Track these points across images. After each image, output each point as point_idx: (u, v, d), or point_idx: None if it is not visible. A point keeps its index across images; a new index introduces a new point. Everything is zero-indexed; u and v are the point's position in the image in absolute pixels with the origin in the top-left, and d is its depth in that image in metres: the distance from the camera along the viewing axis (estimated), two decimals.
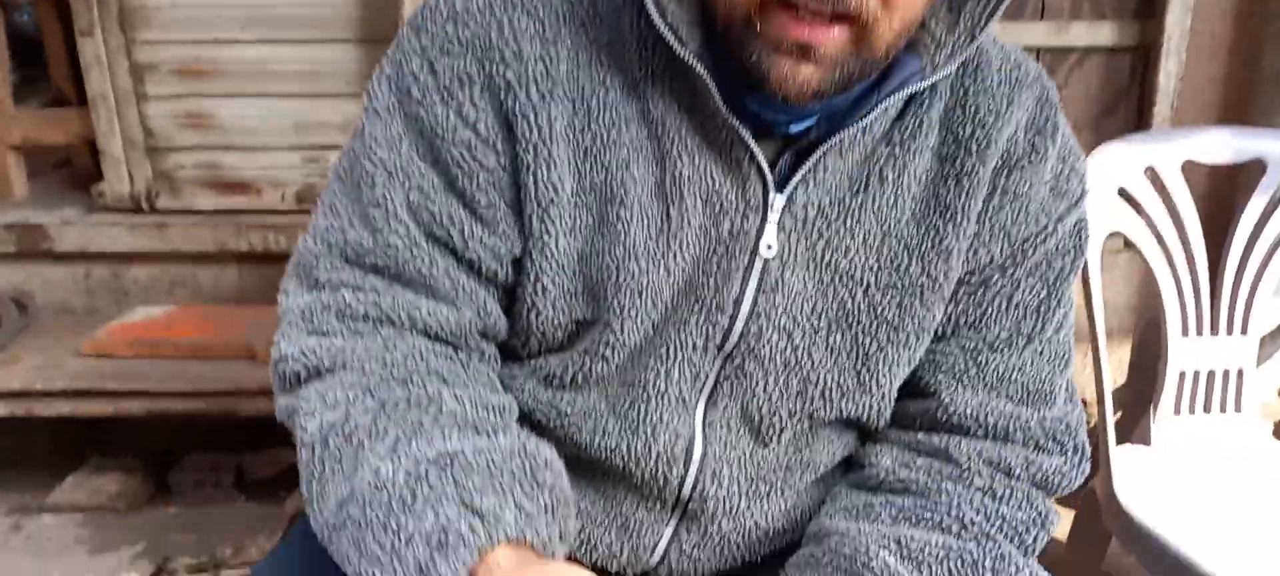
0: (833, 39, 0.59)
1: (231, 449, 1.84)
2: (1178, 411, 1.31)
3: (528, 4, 0.67)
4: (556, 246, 0.69)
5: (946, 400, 0.76)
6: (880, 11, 0.58)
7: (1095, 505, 1.28)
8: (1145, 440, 1.30)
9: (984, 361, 0.75)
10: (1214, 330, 1.30)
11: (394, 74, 0.69)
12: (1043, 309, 0.75)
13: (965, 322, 0.76)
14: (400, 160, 0.68)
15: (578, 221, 0.69)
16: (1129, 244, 1.59)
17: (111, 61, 1.70)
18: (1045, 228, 0.73)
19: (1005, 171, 0.72)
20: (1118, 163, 1.23)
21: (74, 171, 1.92)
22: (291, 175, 1.79)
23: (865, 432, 0.82)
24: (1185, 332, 1.29)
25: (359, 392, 0.66)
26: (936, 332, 0.76)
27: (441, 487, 0.61)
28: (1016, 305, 0.75)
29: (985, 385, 0.76)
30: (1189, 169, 1.27)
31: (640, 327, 0.71)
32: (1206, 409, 1.32)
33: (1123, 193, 1.24)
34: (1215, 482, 1.25)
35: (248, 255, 1.73)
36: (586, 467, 0.77)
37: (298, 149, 1.76)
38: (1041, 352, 0.76)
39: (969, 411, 0.75)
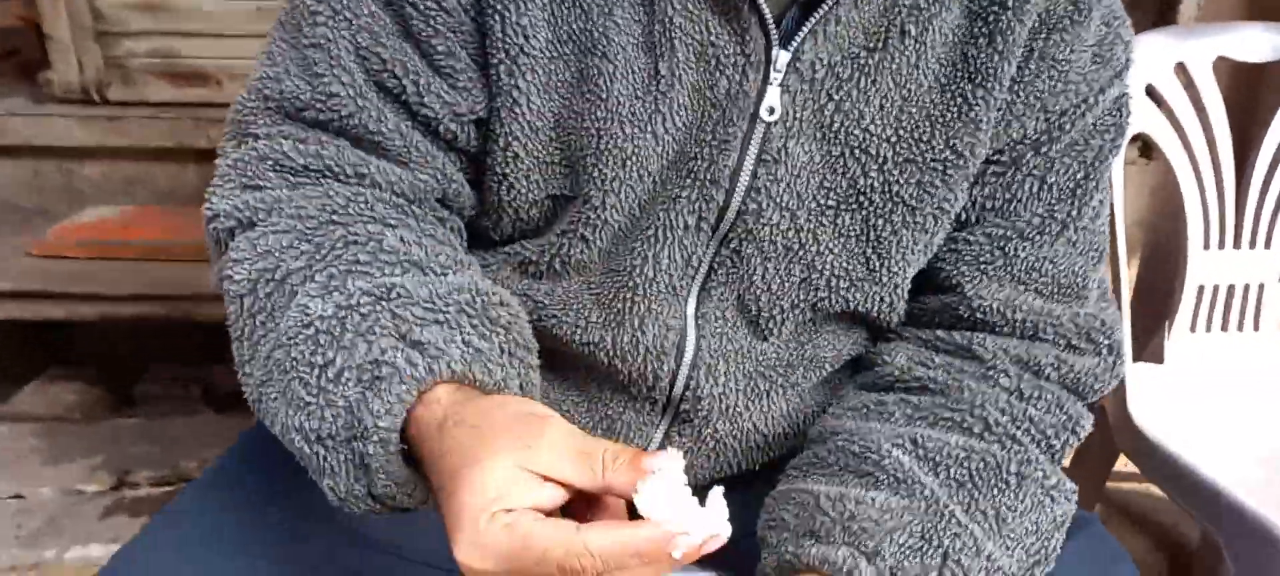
0: None
1: (198, 361, 1.78)
2: (1193, 329, 1.25)
3: None
4: (528, 106, 0.61)
5: (970, 294, 0.68)
6: None
7: (1102, 424, 1.22)
8: (1158, 358, 1.25)
9: (1012, 251, 0.68)
10: (1237, 243, 1.24)
11: None
12: (1078, 192, 0.68)
13: (992, 208, 0.68)
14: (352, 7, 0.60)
15: (553, 77, 0.61)
16: (1143, 153, 1.52)
17: None
18: (1085, 99, 0.65)
19: (1043, 33, 0.64)
20: (1148, 56, 1.15)
21: (21, 61, 1.81)
22: (253, 66, 1.67)
23: (875, 331, 0.74)
24: (1206, 246, 1.23)
25: (294, 238, 0.58)
26: (959, 219, 0.69)
27: (376, 318, 0.53)
28: (1050, 187, 0.67)
29: (1013, 277, 0.68)
30: (1217, 69, 1.19)
31: (625, 204, 0.64)
32: (1223, 326, 1.26)
33: (1150, 91, 1.16)
34: (1232, 402, 1.20)
35: (207, 153, 1.61)
36: (568, 365, 0.70)
37: (260, 37, 1.64)
38: (1075, 243, 0.69)
39: (995, 306, 0.68)
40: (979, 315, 0.69)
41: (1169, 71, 1.17)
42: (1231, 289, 1.25)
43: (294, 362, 0.53)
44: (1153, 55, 1.16)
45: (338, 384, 0.51)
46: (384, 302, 0.53)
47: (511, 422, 0.48)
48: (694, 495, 0.47)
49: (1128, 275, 1.19)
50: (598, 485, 0.46)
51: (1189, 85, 1.19)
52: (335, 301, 0.53)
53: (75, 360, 1.77)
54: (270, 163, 0.61)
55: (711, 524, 0.46)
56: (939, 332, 0.70)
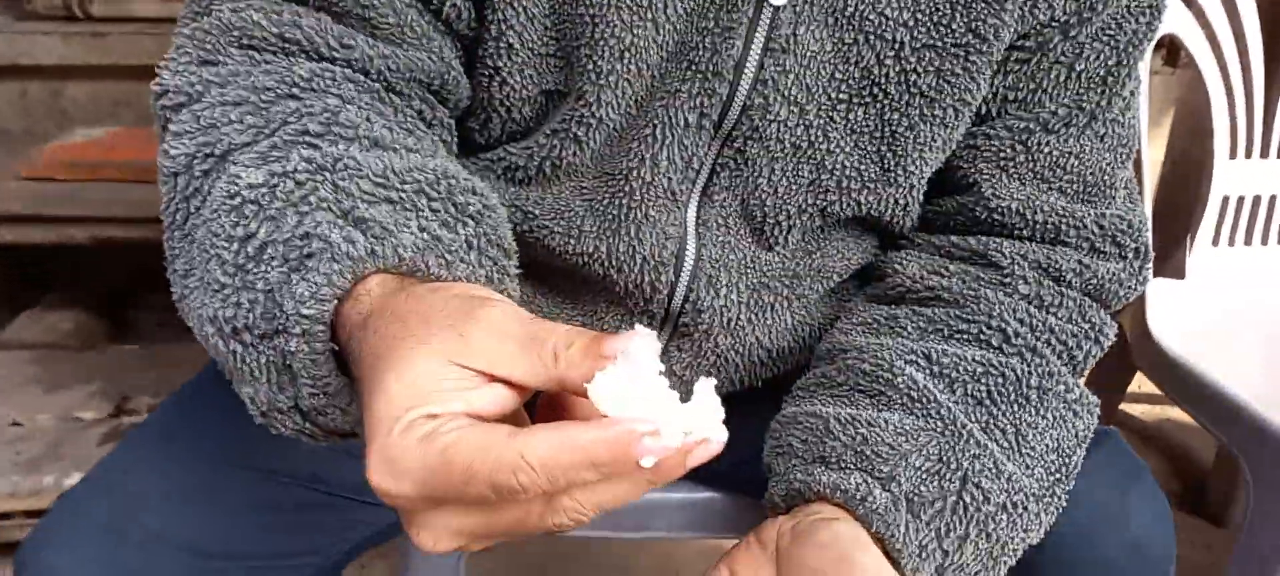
0: None
1: None
2: (1217, 242, 1.21)
3: None
4: None
5: (988, 193, 0.64)
6: None
7: (1119, 341, 1.19)
8: (1179, 273, 1.20)
9: (1035, 145, 0.63)
10: (1264, 153, 1.19)
11: None
12: (1109, 81, 0.63)
13: (1015, 99, 0.64)
14: None
15: None
16: (1168, 60, 1.45)
17: None
18: None
19: None
20: None
21: None
22: None
23: (887, 238, 0.70)
24: (1233, 155, 1.18)
25: (244, 111, 0.50)
26: (980, 112, 0.64)
27: (313, 187, 0.44)
28: (1078, 76, 0.63)
29: (1035, 174, 0.64)
30: None
31: (622, 101, 0.59)
32: (1248, 240, 1.22)
33: None
34: (1255, 317, 1.16)
35: None
36: (560, 277, 0.66)
37: None
38: (1103, 137, 0.64)
39: (1014, 206, 0.64)
40: (997, 216, 0.65)
41: None
42: (1257, 200, 1.20)
43: (213, 238, 0.44)
44: None
45: (259, 263, 0.43)
46: (326, 172, 0.45)
47: (444, 307, 0.38)
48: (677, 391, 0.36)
49: (1150, 183, 1.14)
50: (550, 378, 0.36)
51: None
52: (269, 170, 0.45)
53: (70, 287, 1.73)
54: (235, 34, 0.53)
55: (696, 422, 0.35)
56: (954, 238, 0.66)
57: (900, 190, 0.64)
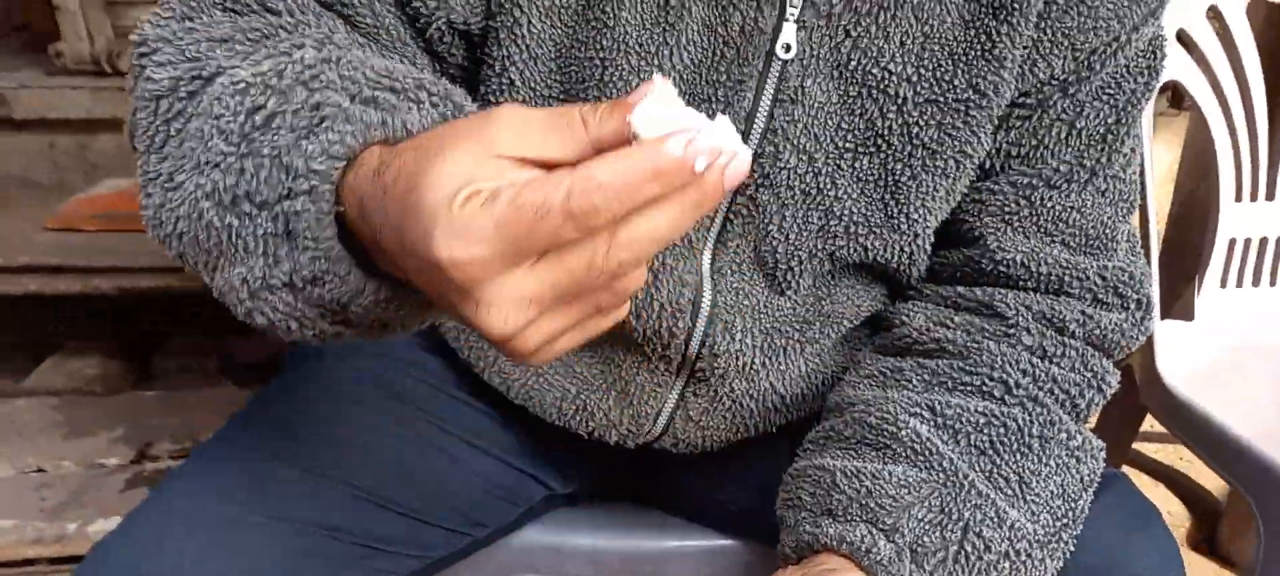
0: None
1: (216, 333, 1.76)
2: (1224, 284, 1.22)
3: None
4: (529, 29, 0.58)
5: (993, 246, 0.66)
6: None
7: (1129, 383, 1.19)
8: (1188, 315, 1.21)
9: (1038, 200, 0.65)
10: (1270, 195, 1.20)
11: None
12: (1109, 138, 0.65)
13: (1018, 154, 0.65)
14: None
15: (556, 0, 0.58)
16: (1173, 103, 1.47)
17: None
18: (1117, 38, 0.62)
19: None
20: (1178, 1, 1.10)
21: (31, 34, 1.80)
22: None
23: (895, 287, 0.72)
24: (1238, 197, 1.19)
25: (233, 44, 0.49)
26: (984, 167, 0.66)
27: (320, 71, 0.44)
28: (1079, 132, 0.64)
29: (1038, 228, 0.66)
30: (1251, 12, 1.14)
31: None
32: (1255, 281, 1.23)
33: (1182, 36, 1.12)
34: (1264, 359, 1.16)
35: None
36: None
37: None
38: (1104, 192, 0.66)
39: (1018, 259, 0.66)
40: (1002, 269, 0.66)
41: (1201, 15, 1.13)
42: (1264, 242, 1.21)
43: (215, 120, 0.43)
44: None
45: (267, 132, 0.42)
46: (331, 64, 0.44)
47: (460, 125, 0.38)
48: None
49: (1157, 229, 1.15)
50: (582, 143, 0.37)
51: (1222, 30, 1.14)
52: (274, 62, 0.44)
53: (93, 334, 1.74)
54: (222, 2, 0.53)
55: (725, 141, 0.36)
56: (960, 289, 0.68)
57: (905, 238, 0.66)
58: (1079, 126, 0.64)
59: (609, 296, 0.39)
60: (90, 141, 1.70)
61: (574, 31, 0.59)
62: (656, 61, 0.59)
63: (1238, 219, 1.19)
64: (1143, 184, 1.13)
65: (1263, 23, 1.18)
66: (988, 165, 0.66)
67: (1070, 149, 0.65)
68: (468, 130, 0.37)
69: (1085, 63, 0.63)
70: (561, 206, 0.34)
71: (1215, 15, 1.13)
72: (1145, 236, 1.15)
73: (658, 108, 0.36)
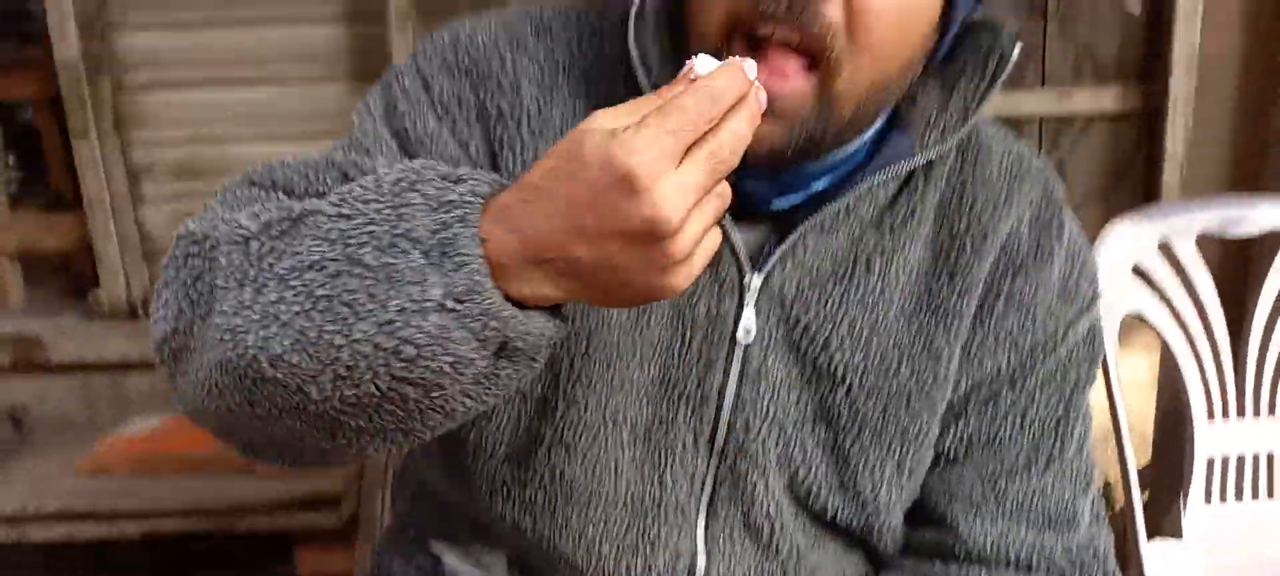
0: (792, 86, 0.56)
1: (237, 566, 1.77)
2: (1208, 500, 1.25)
3: (531, 48, 0.66)
4: None
5: (964, 532, 0.72)
6: (846, 48, 0.55)
7: None
8: (1176, 532, 1.24)
9: (1002, 488, 0.71)
10: (1241, 412, 1.25)
11: (382, 93, 0.66)
12: (1061, 426, 0.72)
13: (978, 442, 0.72)
14: (369, 139, 0.64)
15: None
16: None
17: (107, 164, 1.67)
18: (1055, 334, 0.70)
19: (1008, 274, 0.68)
20: (1130, 239, 1.19)
21: (73, 277, 1.91)
22: None
23: (876, 557, 0.77)
24: (1211, 417, 1.24)
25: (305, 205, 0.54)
26: (948, 455, 0.72)
27: (411, 164, 0.52)
28: (1032, 423, 0.71)
29: (1004, 514, 0.72)
30: (1203, 243, 1.23)
31: (603, 406, 0.66)
32: (1238, 496, 1.26)
33: (1137, 270, 1.21)
34: (1255, 573, 1.19)
35: None
36: None
37: None
38: (1063, 474, 0.72)
39: (989, 543, 0.71)
40: (973, 552, 0.71)
41: (1153, 251, 1.21)
42: (1241, 459, 1.25)
43: (337, 207, 0.50)
44: (1135, 237, 1.20)
45: (410, 191, 0.50)
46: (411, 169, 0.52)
47: (560, 142, 0.48)
48: None
49: (1133, 458, 1.20)
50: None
51: (1175, 262, 1.22)
52: (375, 180, 0.52)
53: (115, 570, 1.77)
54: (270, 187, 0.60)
55: (751, 72, 0.49)
56: (935, 566, 0.73)
57: (865, 509, 0.70)
58: (1031, 417, 0.71)
59: (723, 185, 0.49)
60: (123, 380, 1.76)
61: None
62: (630, 340, 0.65)
63: (1213, 438, 1.24)
64: (1114, 414, 1.19)
65: (1217, 242, 1.26)
66: (952, 453, 0.72)
67: (1026, 438, 0.71)
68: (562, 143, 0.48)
69: (1027, 358, 0.70)
70: (693, 105, 0.45)
71: (1166, 248, 1.21)
72: (1123, 463, 1.19)
73: (709, 61, 0.50)
